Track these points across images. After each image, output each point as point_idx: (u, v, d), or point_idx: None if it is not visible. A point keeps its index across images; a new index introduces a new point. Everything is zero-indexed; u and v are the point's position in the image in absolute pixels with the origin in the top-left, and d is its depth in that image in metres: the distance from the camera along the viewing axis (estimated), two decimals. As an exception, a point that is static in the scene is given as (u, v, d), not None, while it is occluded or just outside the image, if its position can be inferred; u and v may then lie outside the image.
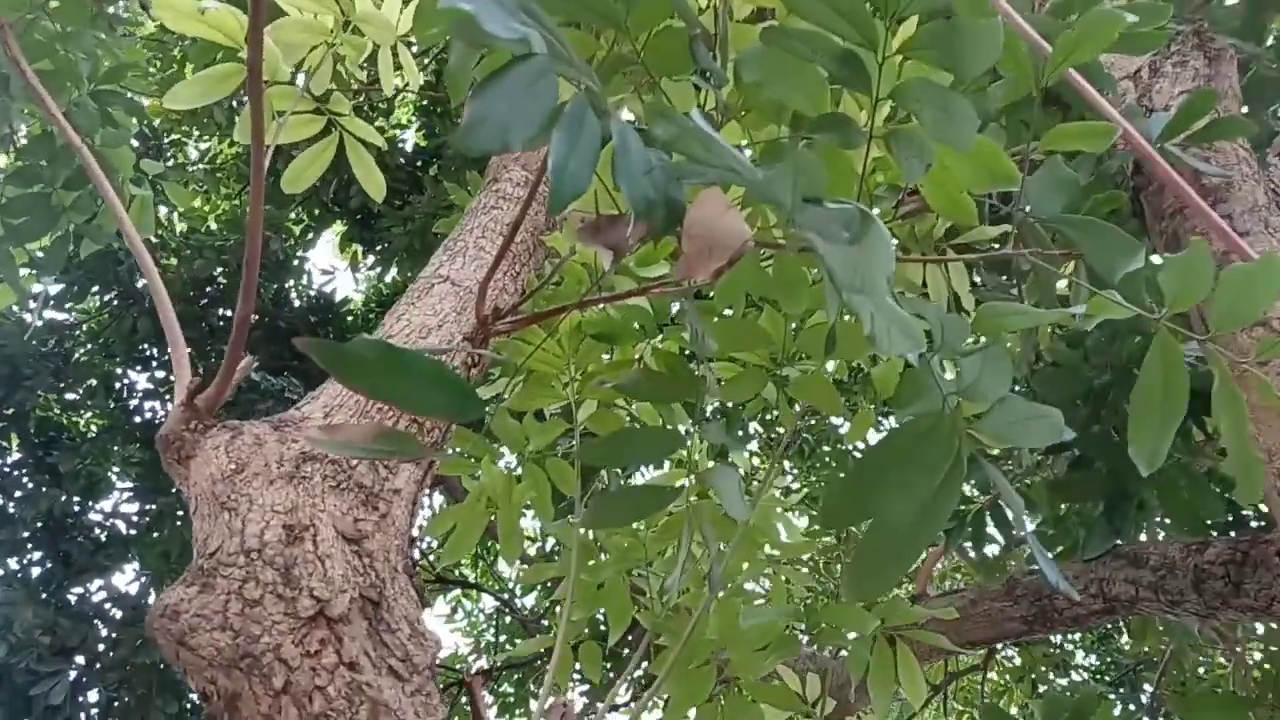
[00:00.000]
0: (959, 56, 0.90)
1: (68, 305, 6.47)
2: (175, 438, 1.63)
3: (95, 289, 6.28)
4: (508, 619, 7.69)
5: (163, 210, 6.56)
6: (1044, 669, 6.56)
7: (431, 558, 7.01)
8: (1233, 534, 3.23)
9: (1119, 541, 3.06)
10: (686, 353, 2.42)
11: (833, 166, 1.20)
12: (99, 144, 2.76)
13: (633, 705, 5.34)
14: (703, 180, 0.90)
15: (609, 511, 1.09)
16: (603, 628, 2.17)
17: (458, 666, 8.18)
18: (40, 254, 3.29)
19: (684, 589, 2.18)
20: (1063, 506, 3.51)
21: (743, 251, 0.97)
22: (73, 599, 6.40)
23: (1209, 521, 3.04)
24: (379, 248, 7.44)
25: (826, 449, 6.56)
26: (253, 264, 1.61)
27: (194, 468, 1.59)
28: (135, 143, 6.36)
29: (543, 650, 3.30)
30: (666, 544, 2.12)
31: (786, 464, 6.23)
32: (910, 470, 0.88)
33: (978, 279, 3.47)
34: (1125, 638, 6.60)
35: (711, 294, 1.70)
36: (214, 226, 7.21)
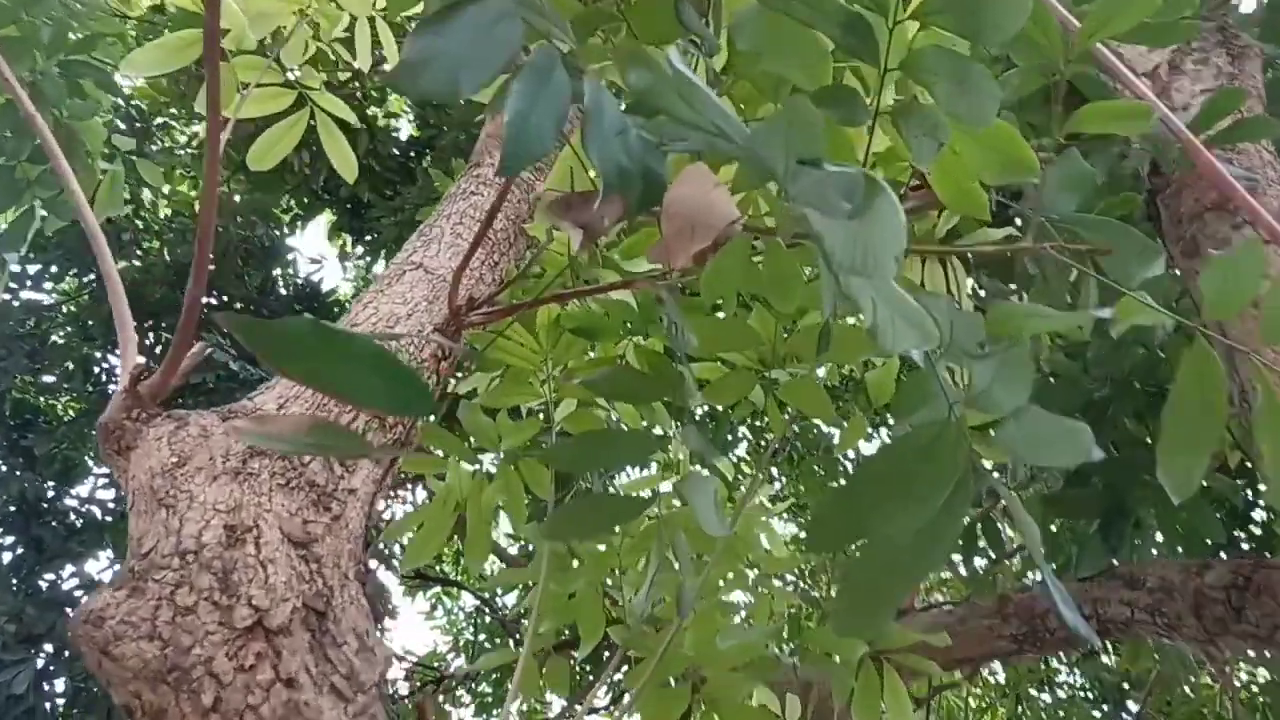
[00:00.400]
0: (980, 20, 0.79)
1: (46, 286, 6.33)
2: (115, 427, 1.51)
3: (74, 270, 6.15)
4: (487, 618, 7.57)
5: (146, 194, 6.44)
6: (1028, 685, 6.46)
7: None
8: (1222, 554, 3.13)
9: (1114, 560, 2.96)
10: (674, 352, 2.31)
11: (832, 149, 1.09)
12: (66, 116, 2.64)
13: (613, 709, 5.24)
14: (685, 148, 0.79)
15: (571, 522, 0.98)
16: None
17: (436, 665, 8.05)
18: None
19: (660, 599, 2.07)
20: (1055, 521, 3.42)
21: (729, 234, 0.85)
22: (44, 585, 6.29)
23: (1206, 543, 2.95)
24: (368, 238, 7.32)
25: (815, 455, 6.45)
26: (204, 242, 1.49)
27: (134, 460, 1.47)
28: (121, 125, 6.25)
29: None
30: (643, 552, 2.01)
31: (774, 470, 6.12)
32: (913, 486, 0.77)
33: (979, 288, 3.36)
34: (1111, 656, 6.50)
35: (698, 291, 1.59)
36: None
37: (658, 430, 2.40)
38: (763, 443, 5.74)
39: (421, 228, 2.10)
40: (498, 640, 7.45)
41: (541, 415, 2.06)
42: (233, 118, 1.75)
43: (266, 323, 0.81)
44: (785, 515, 6.57)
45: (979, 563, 4.01)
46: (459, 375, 2.44)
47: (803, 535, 6.54)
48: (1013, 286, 3.14)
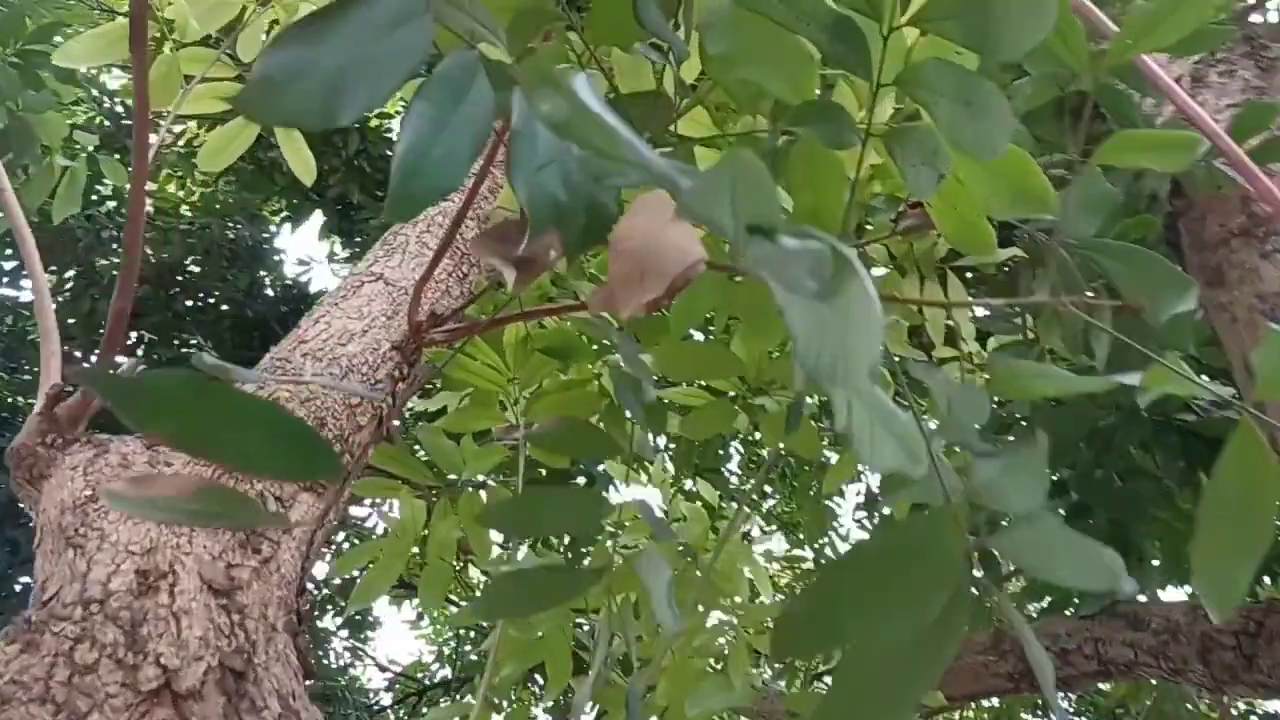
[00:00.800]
0: (994, 29, 0.66)
1: (24, 283, 6.19)
2: (28, 453, 1.37)
3: (52, 267, 6.01)
4: (472, 632, 7.44)
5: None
6: (1021, 710, 6.33)
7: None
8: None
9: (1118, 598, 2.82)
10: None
11: (818, 171, 0.95)
12: (21, 109, 2.50)
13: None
14: (625, 183, 0.65)
15: (507, 598, 0.85)
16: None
17: (419, 675, 7.93)
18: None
19: (637, 637, 1.93)
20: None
21: (687, 278, 0.72)
22: (18, 589, 6.17)
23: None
24: (358, 239, 7.18)
25: (810, 470, 6.30)
26: (133, 249, 1.36)
27: (46, 491, 1.33)
28: (107, 123, 6.10)
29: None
30: (618, 592, 1.87)
31: (767, 488, 5.98)
32: (909, 578, 0.64)
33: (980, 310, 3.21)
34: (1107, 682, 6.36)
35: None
36: (186, 212, 6.93)
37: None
38: (755, 459, 5.61)
39: (385, 235, 1.96)
40: (484, 650, 7.32)
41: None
42: (173, 112, 1.61)
43: (126, 379, 0.68)
44: (777, 526, 6.44)
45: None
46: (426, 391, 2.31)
47: (795, 548, 6.40)
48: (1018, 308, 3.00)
